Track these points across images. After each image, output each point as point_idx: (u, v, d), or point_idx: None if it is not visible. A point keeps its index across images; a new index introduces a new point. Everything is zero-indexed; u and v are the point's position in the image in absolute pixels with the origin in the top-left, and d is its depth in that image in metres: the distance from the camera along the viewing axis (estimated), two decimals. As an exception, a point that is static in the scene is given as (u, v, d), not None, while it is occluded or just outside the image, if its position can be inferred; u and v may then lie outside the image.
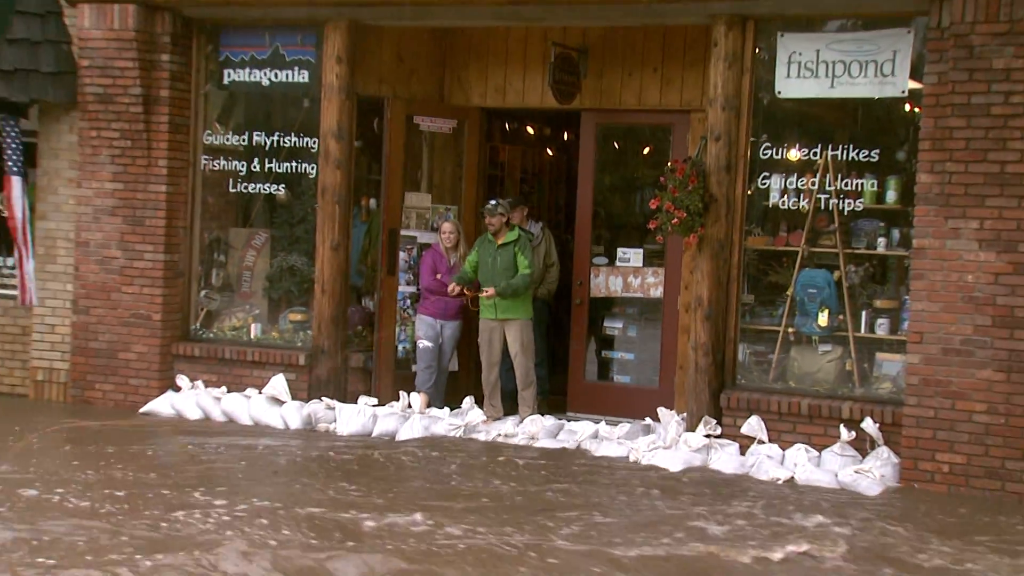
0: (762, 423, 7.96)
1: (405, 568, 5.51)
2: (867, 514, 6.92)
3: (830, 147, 8.26)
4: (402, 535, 6.03)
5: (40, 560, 5.37)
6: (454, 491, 7.18)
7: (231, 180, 10.00)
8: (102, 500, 6.68)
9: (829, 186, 8.24)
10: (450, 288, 9.12)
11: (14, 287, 10.13)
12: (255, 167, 9.87)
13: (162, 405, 9.44)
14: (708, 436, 8.02)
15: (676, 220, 8.05)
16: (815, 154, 8.32)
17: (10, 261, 10.25)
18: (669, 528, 6.47)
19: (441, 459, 8.10)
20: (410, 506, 6.66)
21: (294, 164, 9.74)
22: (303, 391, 9.24)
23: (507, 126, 11.82)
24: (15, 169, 9.69)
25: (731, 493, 7.29)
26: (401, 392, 9.20)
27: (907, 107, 8.11)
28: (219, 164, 9.96)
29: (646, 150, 10.29)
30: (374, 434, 8.73)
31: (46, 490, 6.86)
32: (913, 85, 7.85)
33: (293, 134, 9.76)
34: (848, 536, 6.45)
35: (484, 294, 9.02)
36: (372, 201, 10.07)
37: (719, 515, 6.76)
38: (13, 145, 9.70)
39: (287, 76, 9.67)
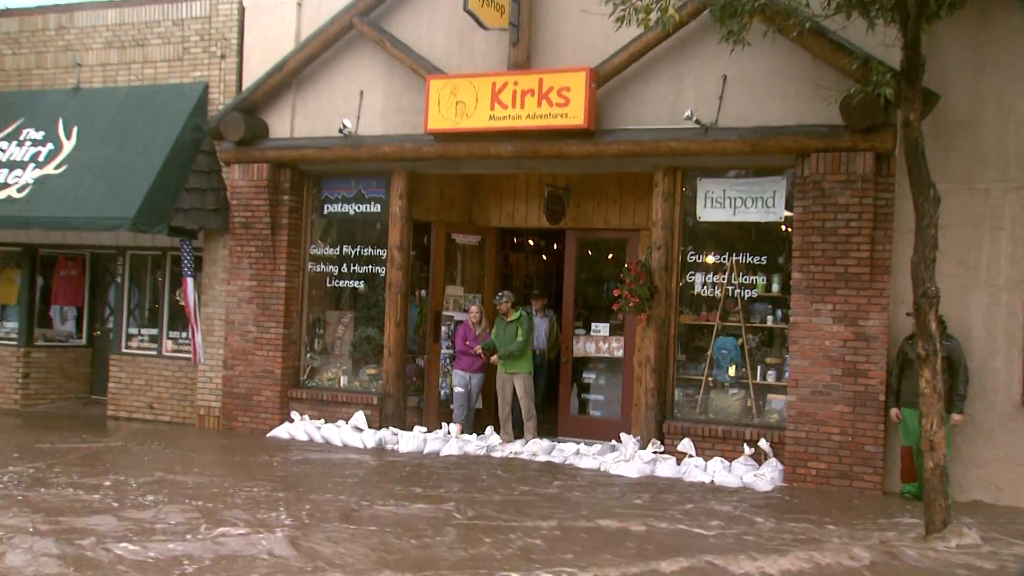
0: (691, 443, 8.07)
1: (448, 529, 5.90)
2: (743, 501, 7.07)
3: (734, 254, 8.31)
4: (438, 516, 6.37)
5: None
6: (479, 488, 7.36)
7: (328, 278, 10.06)
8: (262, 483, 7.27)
9: (734, 281, 8.29)
10: (475, 349, 9.32)
11: (188, 352, 10.37)
12: (344, 269, 9.97)
13: (281, 431, 9.57)
14: (655, 453, 8.11)
15: (632, 304, 8.24)
16: (724, 259, 8.35)
17: (185, 334, 10.48)
18: (622, 509, 6.77)
19: (470, 468, 8.21)
20: (446, 496, 6.95)
21: (370, 267, 9.85)
22: (376, 422, 9.32)
23: (515, 239, 11.85)
24: (188, 272, 9.94)
25: (666, 490, 7.45)
26: (443, 423, 9.32)
27: (783, 228, 8.15)
28: (320, 267, 10.06)
29: (610, 255, 10.07)
30: (424, 452, 8.80)
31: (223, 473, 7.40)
32: (787, 213, 8.01)
33: (370, 247, 9.85)
34: (721, 511, 6.68)
35: (492, 359, 9.21)
36: (423, 292, 10.04)
37: (653, 502, 7.02)
38: (188, 257, 9.95)
39: (366, 208, 9.85)
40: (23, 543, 5.28)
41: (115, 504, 6.44)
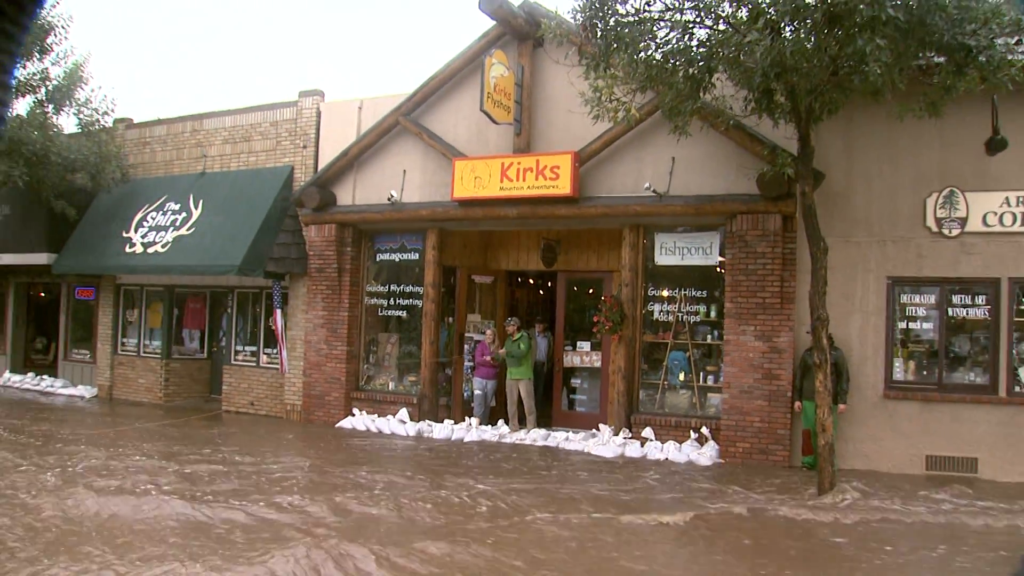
0: (652, 431, 8.24)
1: (464, 496, 6.13)
2: (690, 472, 7.30)
3: (682, 289, 8.44)
4: (463, 485, 6.58)
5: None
6: (491, 464, 7.60)
7: (379, 308, 10.21)
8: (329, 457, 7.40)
9: (683, 309, 8.44)
10: (486, 358, 9.39)
11: (277, 364, 10.83)
12: (391, 302, 10.13)
13: (346, 423, 9.77)
14: (624, 438, 8.27)
15: (607, 327, 8.40)
16: (675, 293, 8.47)
17: (275, 351, 10.97)
18: (598, 478, 7.01)
19: (487, 450, 8.38)
20: (468, 471, 7.20)
21: (411, 300, 9.99)
22: (415, 417, 9.53)
23: (519, 279, 11.74)
24: (278, 305, 10.32)
25: (633, 465, 7.66)
26: (466, 417, 9.59)
27: (718, 269, 8.27)
28: (374, 301, 10.21)
29: (591, 291, 10.02)
30: (452, 439, 8.94)
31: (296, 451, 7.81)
32: (721, 259, 8.19)
33: (410, 285, 9.99)
34: (666, 478, 6.98)
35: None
36: (450, 318, 10.14)
37: (623, 473, 7.23)
38: (277, 294, 10.32)
39: (407, 256, 10.01)
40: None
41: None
